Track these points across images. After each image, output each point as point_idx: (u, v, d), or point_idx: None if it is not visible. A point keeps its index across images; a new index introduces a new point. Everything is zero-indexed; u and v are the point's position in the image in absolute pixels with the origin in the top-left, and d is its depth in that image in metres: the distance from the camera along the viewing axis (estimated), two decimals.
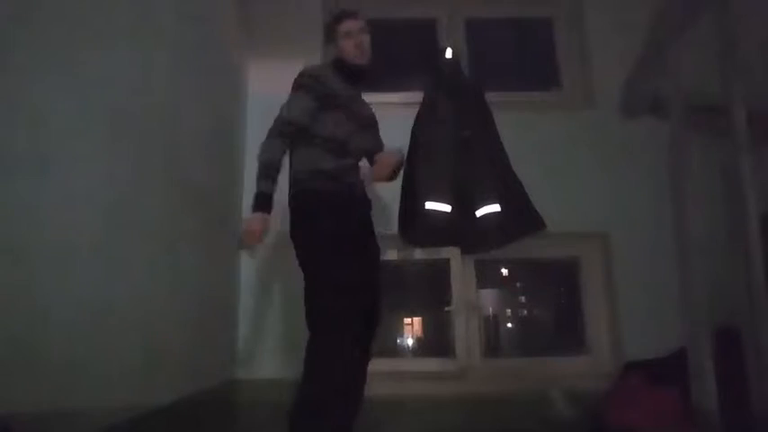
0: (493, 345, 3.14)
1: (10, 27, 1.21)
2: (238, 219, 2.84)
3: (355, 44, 1.97)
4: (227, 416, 2.52)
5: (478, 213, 2.01)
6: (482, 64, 3.23)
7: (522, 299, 3.44)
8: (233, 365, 2.70)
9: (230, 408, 2.57)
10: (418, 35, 3.44)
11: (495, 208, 2.01)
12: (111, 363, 1.54)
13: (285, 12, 3.11)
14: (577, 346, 2.93)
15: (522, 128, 2.73)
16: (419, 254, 2.95)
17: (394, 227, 2.15)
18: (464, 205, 2.03)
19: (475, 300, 2.97)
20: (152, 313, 1.79)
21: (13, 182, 1.20)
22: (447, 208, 1.99)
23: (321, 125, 1.90)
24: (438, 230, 2.01)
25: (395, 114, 2.26)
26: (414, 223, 2.03)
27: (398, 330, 3.29)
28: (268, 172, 1.81)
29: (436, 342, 3.13)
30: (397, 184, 2.16)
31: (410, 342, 3.29)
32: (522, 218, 2.04)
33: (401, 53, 3.39)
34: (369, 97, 2.12)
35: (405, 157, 2.05)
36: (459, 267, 2.96)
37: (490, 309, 3.28)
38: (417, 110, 2.16)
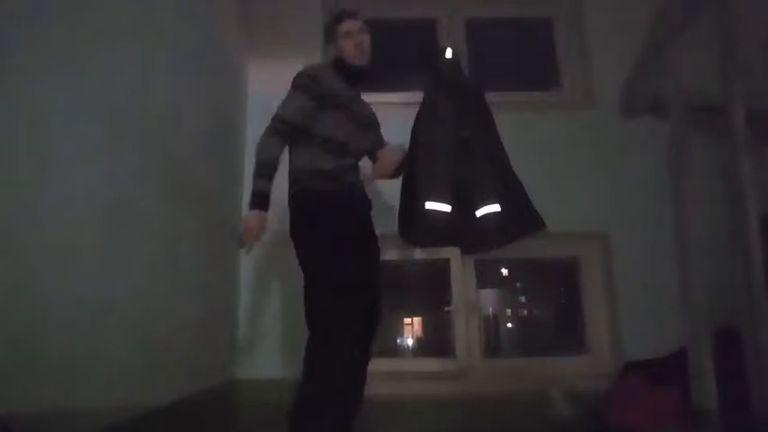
0: (493, 345, 3.14)
1: (10, 27, 1.21)
2: (238, 219, 2.83)
3: (355, 44, 1.97)
4: (227, 416, 2.52)
5: (478, 213, 2.01)
6: (482, 64, 3.23)
7: (522, 299, 3.44)
8: (233, 365, 2.71)
9: (230, 408, 2.57)
10: (418, 35, 3.44)
11: (495, 208, 2.00)
12: (111, 363, 1.54)
13: (285, 12, 3.11)
14: (577, 346, 2.93)
15: (522, 128, 2.73)
16: (419, 254, 2.95)
17: (394, 227, 2.15)
18: (464, 205, 2.03)
19: (475, 300, 2.97)
20: (152, 313, 1.80)
21: (13, 182, 1.20)
22: (447, 208, 1.99)
23: (321, 125, 1.90)
24: (438, 230, 2.01)
25: (395, 114, 2.26)
26: (414, 223, 2.03)
27: (398, 330, 3.29)
28: (265, 170, 1.81)
29: (436, 342, 3.13)
30: (397, 183, 2.16)
31: (410, 342, 3.29)
32: (522, 218, 2.04)
33: (401, 53, 3.39)
34: (369, 97, 2.12)
35: (407, 154, 2.06)
36: (459, 267, 2.96)
37: (490, 309, 3.28)
38: (417, 110, 2.16)
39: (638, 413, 2.22)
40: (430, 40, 3.30)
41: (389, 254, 2.76)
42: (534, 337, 3.34)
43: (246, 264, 2.83)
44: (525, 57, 3.48)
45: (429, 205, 1.98)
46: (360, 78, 2.02)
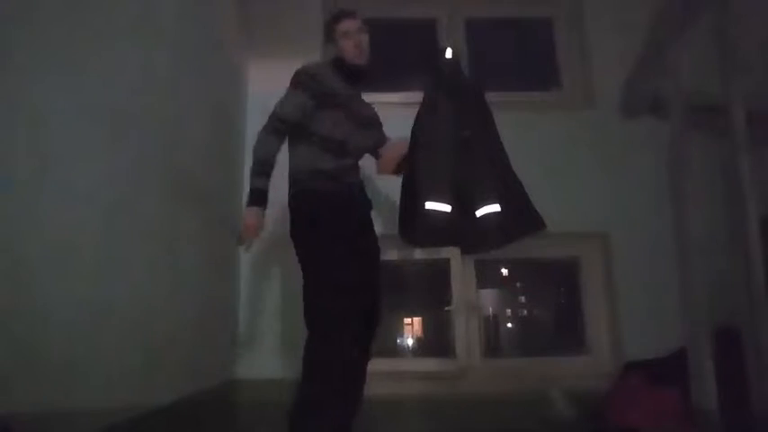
0: (493, 345, 3.14)
1: (10, 27, 1.21)
2: (238, 218, 2.84)
3: (354, 44, 1.97)
4: (227, 416, 2.52)
5: (478, 213, 2.01)
6: (482, 64, 3.23)
7: (522, 299, 3.44)
8: (233, 365, 2.71)
9: (230, 408, 2.57)
10: (418, 35, 3.44)
11: (496, 208, 2.00)
12: (111, 363, 1.54)
13: (285, 12, 3.11)
14: (577, 346, 2.93)
15: (522, 128, 2.73)
16: (419, 254, 2.95)
17: (394, 227, 2.15)
18: (464, 205, 2.02)
19: (475, 300, 2.97)
20: (152, 313, 1.80)
21: (13, 182, 1.20)
22: (447, 208, 1.99)
23: (319, 124, 1.90)
24: (438, 230, 2.01)
25: (395, 114, 2.25)
26: (414, 223, 2.02)
27: (398, 330, 3.29)
28: (262, 168, 1.82)
29: (436, 342, 3.13)
30: (397, 184, 2.16)
31: (410, 342, 3.29)
32: (522, 218, 2.03)
33: (401, 53, 3.39)
34: (369, 97, 2.12)
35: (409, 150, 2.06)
36: (459, 267, 2.96)
37: (490, 309, 3.28)
38: (417, 110, 2.16)
39: (638, 413, 2.22)
40: (430, 40, 3.30)
41: (389, 254, 2.76)
42: (534, 337, 3.34)
43: (246, 264, 2.83)
44: (525, 57, 3.48)
45: (429, 205, 1.97)
46: (359, 78, 2.02)
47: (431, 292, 3.24)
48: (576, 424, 2.44)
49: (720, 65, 1.85)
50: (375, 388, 1.99)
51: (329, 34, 2.04)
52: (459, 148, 2.05)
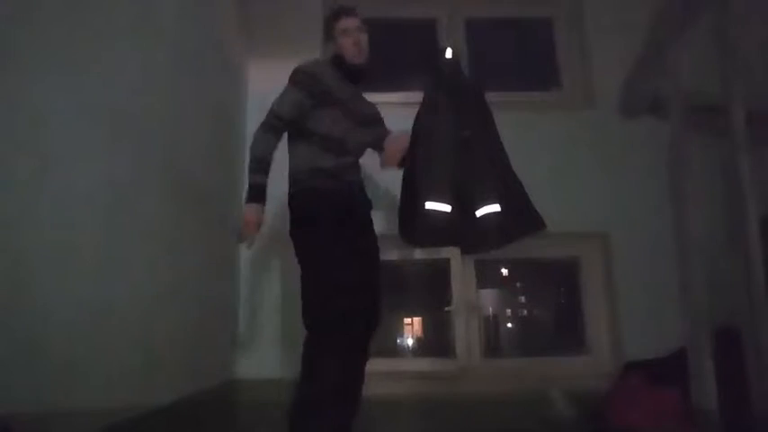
0: (493, 345, 3.14)
1: (10, 27, 1.21)
2: (238, 218, 2.84)
3: (353, 42, 1.97)
4: (227, 416, 2.52)
5: (478, 213, 2.00)
6: (482, 64, 3.23)
7: (522, 299, 3.44)
8: (233, 365, 2.71)
9: (230, 408, 2.57)
10: (418, 35, 3.44)
11: (496, 208, 2.00)
12: (111, 363, 1.54)
13: (285, 12, 3.11)
14: (577, 346, 2.93)
15: (522, 128, 2.73)
16: (419, 254, 2.95)
17: (394, 227, 2.15)
18: (464, 205, 2.02)
19: (475, 300, 2.97)
20: (152, 313, 1.80)
21: (13, 182, 1.20)
22: (447, 208, 1.99)
23: (318, 122, 1.90)
24: (438, 230, 2.00)
25: (395, 114, 2.25)
26: (414, 223, 2.02)
27: (398, 330, 3.30)
28: (260, 165, 1.83)
29: (436, 342, 3.13)
30: (397, 183, 2.16)
31: (410, 342, 3.29)
32: (522, 218, 2.03)
33: (401, 53, 3.39)
34: (369, 97, 2.12)
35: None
36: (459, 267, 2.96)
37: (490, 309, 3.28)
38: (417, 110, 2.16)
39: (638, 413, 2.22)
40: (430, 40, 3.30)
41: (389, 254, 2.76)
42: (534, 337, 3.34)
43: (246, 263, 2.83)
44: (525, 57, 3.48)
45: (429, 205, 1.97)
46: (359, 76, 2.01)
47: (431, 292, 3.24)
48: (575, 424, 2.44)
49: (720, 65, 1.85)
50: (375, 388, 1.99)
51: (328, 32, 2.04)
52: (459, 148, 2.05)
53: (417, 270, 3.23)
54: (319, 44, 2.90)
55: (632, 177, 2.88)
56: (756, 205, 1.72)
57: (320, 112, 1.90)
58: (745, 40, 1.91)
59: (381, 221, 2.16)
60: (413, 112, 2.17)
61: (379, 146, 2.12)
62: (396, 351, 3.21)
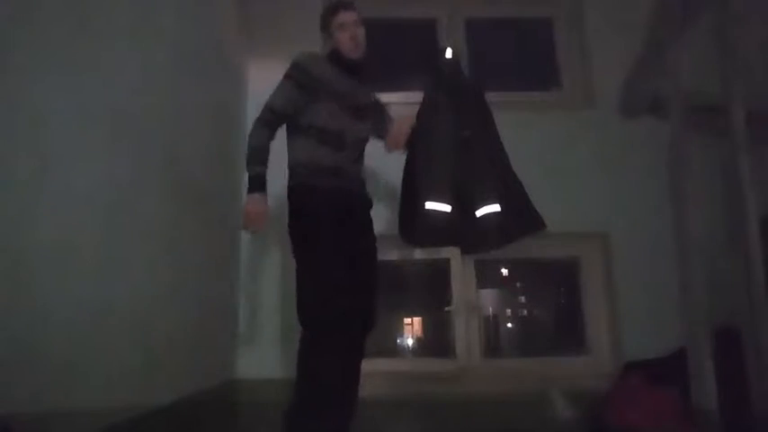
0: (493, 345, 3.14)
1: (10, 27, 1.21)
2: (238, 219, 2.84)
3: (350, 36, 1.96)
4: (227, 416, 2.52)
5: (478, 213, 2.01)
6: (482, 64, 3.23)
7: (522, 299, 3.44)
8: (233, 365, 2.70)
9: (230, 408, 2.57)
10: (418, 35, 3.44)
11: (496, 208, 2.00)
12: (111, 363, 1.54)
13: (285, 12, 3.11)
14: (577, 346, 2.93)
15: (522, 128, 2.73)
16: (419, 254, 2.95)
17: (394, 227, 2.15)
18: (464, 205, 2.02)
19: (475, 300, 2.97)
20: (152, 313, 1.80)
21: (13, 182, 1.20)
22: (447, 208, 1.99)
23: (315, 116, 1.90)
24: (438, 230, 2.01)
25: (395, 114, 2.26)
26: (414, 223, 2.02)
27: (398, 330, 3.29)
28: (257, 155, 1.85)
29: (436, 342, 3.13)
30: (397, 184, 2.17)
31: (410, 342, 3.29)
32: (522, 218, 2.04)
33: (401, 53, 3.39)
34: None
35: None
36: (459, 267, 2.96)
37: (490, 309, 3.28)
38: (417, 110, 2.16)
39: (637, 413, 2.22)
40: (430, 40, 3.30)
41: (389, 254, 2.76)
42: (534, 337, 3.34)
43: (246, 264, 2.83)
44: (525, 57, 3.48)
45: (429, 205, 1.97)
46: (356, 70, 2.01)
47: (431, 292, 3.24)
48: (575, 424, 2.44)
49: (720, 65, 1.85)
50: (375, 388, 1.99)
51: (325, 26, 2.03)
52: (459, 148, 2.05)
53: (417, 270, 3.23)
54: (320, 44, 2.91)
55: (632, 177, 2.88)
56: (756, 205, 1.72)
57: (317, 105, 1.90)
58: (745, 40, 1.91)
59: (381, 221, 2.16)
60: (413, 112, 2.17)
61: (382, 134, 2.12)
62: (396, 351, 3.21)
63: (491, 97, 2.19)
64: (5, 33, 1.20)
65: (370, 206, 2.05)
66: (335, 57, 1.98)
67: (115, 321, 1.57)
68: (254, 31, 3.10)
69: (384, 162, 2.37)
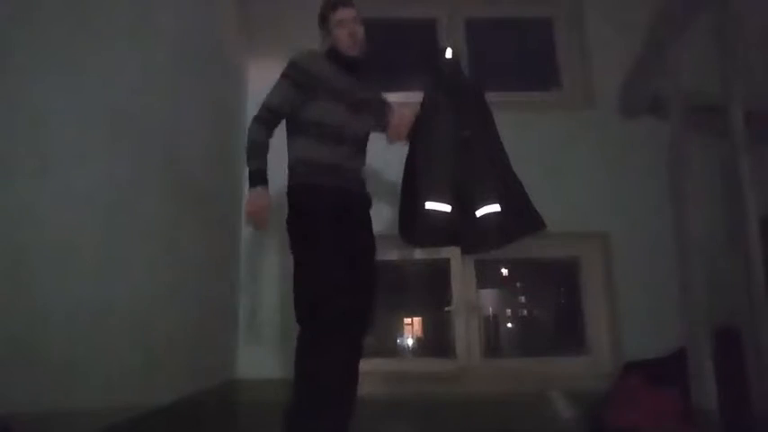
0: (493, 345, 3.14)
1: (10, 27, 1.21)
2: (238, 219, 2.84)
3: (349, 33, 1.96)
4: (227, 416, 2.52)
5: (478, 213, 2.01)
6: (482, 64, 3.23)
7: (522, 299, 3.44)
8: (233, 365, 2.70)
9: (230, 408, 2.57)
10: (418, 35, 3.44)
11: (496, 208, 2.00)
12: (111, 363, 1.54)
13: (285, 12, 3.11)
14: (577, 346, 2.93)
15: (522, 128, 2.73)
16: (419, 254, 2.95)
17: (394, 227, 2.15)
18: (464, 205, 2.03)
19: (475, 300, 2.97)
20: (152, 313, 1.80)
21: (13, 182, 1.20)
22: (447, 208, 1.99)
23: (312, 112, 1.90)
24: (438, 230, 2.01)
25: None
26: (414, 223, 2.03)
27: (398, 330, 3.29)
28: (255, 151, 1.87)
29: (436, 342, 3.13)
30: (397, 183, 2.17)
31: (410, 342, 3.29)
32: (522, 218, 2.04)
33: (401, 53, 3.39)
34: None
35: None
36: (459, 267, 2.96)
37: (490, 309, 3.28)
38: (418, 107, 2.16)
39: (637, 413, 2.22)
40: (430, 40, 3.30)
41: (389, 254, 2.76)
42: (534, 338, 3.34)
43: (246, 264, 2.83)
44: (525, 57, 3.48)
45: (429, 205, 1.98)
46: (355, 68, 2.00)
47: (431, 292, 3.24)
48: (575, 424, 2.44)
49: (720, 65, 1.84)
50: (375, 388, 1.99)
51: (323, 23, 2.02)
52: (459, 148, 2.06)
53: (417, 270, 3.22)
54: (320, 45, 2.91)
55: (632, 177, 2.88)
56: (756, 205, 1.72)
57: (316, 103, 1.90)
58: (745, 40, 1.91)
59: (381, 221, 2.16)
60: (414, 105, 2.18)
61: (383, 127, 2.12)
62: (396, 351, 3.21)
63: (491, 97, 2.19)
64: (5, 33, 1.20)
65: (370, 206, 2.05)
66: (334, 54, 1.98)
67: (115, 321, 1.57)
68: (254, 31, 3.09)
69: (384, 162, 2.37)
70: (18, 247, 1.21)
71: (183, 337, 2.06)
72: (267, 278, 2.81)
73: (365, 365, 1.94)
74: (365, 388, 1.92)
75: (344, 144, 1.92)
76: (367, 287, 1.90)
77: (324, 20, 2.02)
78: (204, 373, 2.30)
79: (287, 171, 1.96)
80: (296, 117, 1.91)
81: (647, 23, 2.54)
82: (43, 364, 1.28)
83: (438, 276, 3.03)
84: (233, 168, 2.78)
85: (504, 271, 3.39)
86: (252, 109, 2.78)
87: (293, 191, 1.90)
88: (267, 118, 1.90)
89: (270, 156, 1.92)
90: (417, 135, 2.10)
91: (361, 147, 2.02)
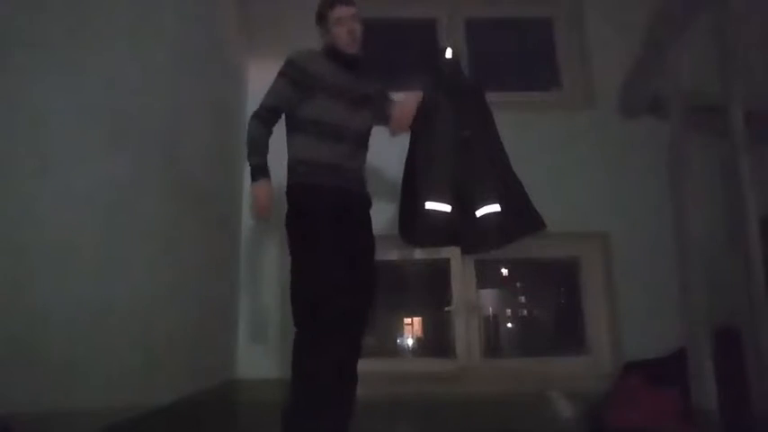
0: (493, 345, 3.14)
1: (10, 27, 1.21)
2: (238, 219, 2.84)
3: (347, 31, 1.95)
4: (227, 416, 2.52)
5: (478, 213, 2.01)
6: (482, 64, 3.23)
7: (522, 299, 3.44)
8: (233, 365, 2.70)
9: (230, 408, 2.57)
10: (418, 35, 3.44)
11: (496, 208, 2.00)
12: (111, 363, 1.54)
13: (285, 12, 3.11)
14: (577, 346, 2.93)
15: (522, 128, 2.73)
16: (419, 254, 2.95)
17: (394, 227, 2.15)
18: (464, 205, 2.03)
19: (475, 300, 2.97)
20: (152, 313, 1.80)
21: (13, 182, 1.20)
22: (447, 208, 1.99)
23: (311, 110, 1.90)
24: (438, 230, 2.01)
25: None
26: (414, 223, 2.03)
27: (398, 330, 3.29)
28: (257, 148, 1.89)
29: (436, 342, 3.13)
30: (397, 183, 2.17)
31: (410, 342, 3.29)
32: (522, 218, 2.04)
33: (401, 53, 3.39)
34: None
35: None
36: (459, 267, 2.96)
37: (490, 309, 3.28)
38: (414, 117, 2.16)
39: (637, 413, 2.22)
40: (430, 40, 3.30)
41: (389, 254, 2.76)
42: (534, 338, 3.34)
43: (246, 264, 2.83)
44: (525, 57, 3.48)
45: (429, 205, 1.98)
46: (353, 65, 2.00)
47: (431, 292, 3.23)
48: (575, 424, 2.44)
49: (720, 65, 1.85)
50: (375, 388, 1.99)
51: (322, 20, 2.02)
52: (459, 148, 2.06)
53: (417, 270, 3.22)
54: (319, 45, 2.91)
55: (632, 177, 2.88)
56: (756, 205, 1.72)
57: (313, 100, 1.90)
58: (745, 40, 1.91)
59: (381, 221, 2.16)
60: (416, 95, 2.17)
61: (385, 120, 2.12)
62: (396, 351, 3.21)
63: (491, 97, 2.19)
64: (5, 33, 1.20)
65: (370, 205, 2.05)
66: (332, 52, 1.97)
67: (115, 321, 1.57)
68: (254, 31, 3.09)
69: (384, 161, 2.37)
70: (18, 247, 1.21)
71: (182, 337, 2.06)
72: (267, 278, 2.81)
73: (365, 365, 1.94)
74: (365, 388, 1.92)
75: (344, 142, 1.92)
76: (366, 287, 1.90)
77: (322, 18, 2.01)
78: (204, 373, 2.30)
79: (286, 170, 1.96)
80: (294, 115, 1.92)
81: (646, 23, 2.54)
82: (43, 364, 1.28)
83: (438, 276, 3.03)
84: (233, 168, 2.78)
85: (504, 271, 3.39)
86: (252, 109, 2.79)
87: (293, 190, 1.90)
88: (265, 116, 1.91)
89: (270, 156, 1.92)
90: (417, 135, 2.10)
91: (361, 144, 2.01)
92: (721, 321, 1.97)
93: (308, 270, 1.80)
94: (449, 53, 2.18)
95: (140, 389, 1.70)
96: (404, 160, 2.16)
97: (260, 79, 2.96)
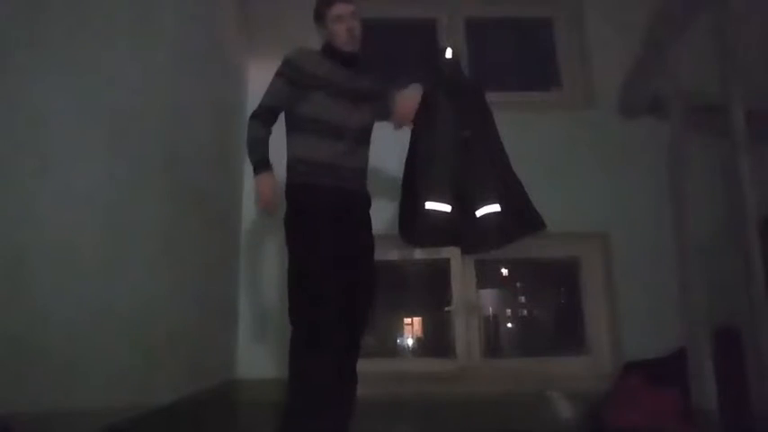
0: (493, 345, 3.14)
1: (10, 27, 1.21)
2: (238, 219, 2.84)
3: (346, 28, 1.94)
4: (227, 416, 2.52)
5: (479, 213, 2.01)
6: (482, 64, 3.23)
7: (522, 299, 3.44)
8: (233, 365, 2.70)
9: (230, 408, 2.57)
10: (418, 35, 3.44)
11: (496, 208, 2.00)
12: (111, 363, 1.54)
13: (285, 12, 3.10)
14: (577, 346, 2.93)
15: (522, 128, 2.73)
16: (419, 254, 2.95)
17: (394, 227, 2.15)
18: (464, 205, 2.03)
19: (475, 300, 2.97)
20: (152, 313, 1.80)
21: (13, 182, 1.20)
22: (447, 208, 1.99)
23: (309, 108, 1.90)
24: (438, 230, 2.01)
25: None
26: (414, 223, 2.03)
27: (398, 330, 3.29)
28: (257, 145, 1.89)
29: (436, 342, 3.13)
30: (397, 183, 2.16)
31: (410, 342, 3.29)
32: (522, 218, 2.04)
33: (401, 53, 3.39)
34: None
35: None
36: (459, 267, 2.96)
37: (490, 309, 3.28)
38: (417, 110, 2.16)
39: (637, 413, 2.22)
40: (430, 40, 3.30)
41: (389, 254, 2.76)
42: (534, 338, 3.34)
43: (246, 264, 2.83)
44: (525, 57, 3.48)
45: (429, 205, 1.97)
46: (352, 62, 1.99)
47: (431, 292, 3.23)
48: (575, 424, 2.44)
49: (720, 65, 1.85)
50: (375, 388, 1.99)
51: (320, 18, 2.01)
52: (459, 148, 2.05)
53: (417, 270, 3.22)
54: (319, 45, 2.91)
55: (632, 177, 2.88)
56: (756, 205, 1.72)
57: (311, 99, 1.90)
58: (745, 40, 1.91)
59: (381, 221, 2.16)
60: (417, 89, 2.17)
61: (387, 115, 2.11)
62: (396, 351, 3.21)
63: (491, 97, 2.19)
64: (5, 33, 1.20)
65: (369, 205, 2.05)
66: (330, 50, 1.97)
67: (115, 321, 1.57)
68: (254, 31, 3.09)
69: (384, 161, 2.36)
70: (18, 247, 1.21)
71: (182, 337, 2.06)
72: (267, 278, 2.81)
73: (365, 365, 1.93)
74: (365, 388, 1.91)
75: (343, 140, 1.91)
76: (366, 287, 1.90)
77: (320, 15, 2.00)
78: (204, 372, 2.30)
79: (285, 169, 1.96)
80: (293, 114, 1.92)
81: (646, 23, 2.54)
82: (43, 364, 1.28)
83: (438, 276, 3.03)
84: (233, 168, 2.78)
85: (504, 271, 3.39)
86: (252, 109, 2.78)
87: (292, 189, 1.90)
88: (264, 116, 1.91)
89: (270, 156, 1.92)
90: (418, 134, 2.10)
91: (361, 141, 2.00)
92: (721, 321, 1.97)
93: (306, 269, 1.79)
94: (449, 53, 2.18)
95: (140, 389, 1.70)
96: (404, 160, 2.15)
97: (260, 79, 2.96)
